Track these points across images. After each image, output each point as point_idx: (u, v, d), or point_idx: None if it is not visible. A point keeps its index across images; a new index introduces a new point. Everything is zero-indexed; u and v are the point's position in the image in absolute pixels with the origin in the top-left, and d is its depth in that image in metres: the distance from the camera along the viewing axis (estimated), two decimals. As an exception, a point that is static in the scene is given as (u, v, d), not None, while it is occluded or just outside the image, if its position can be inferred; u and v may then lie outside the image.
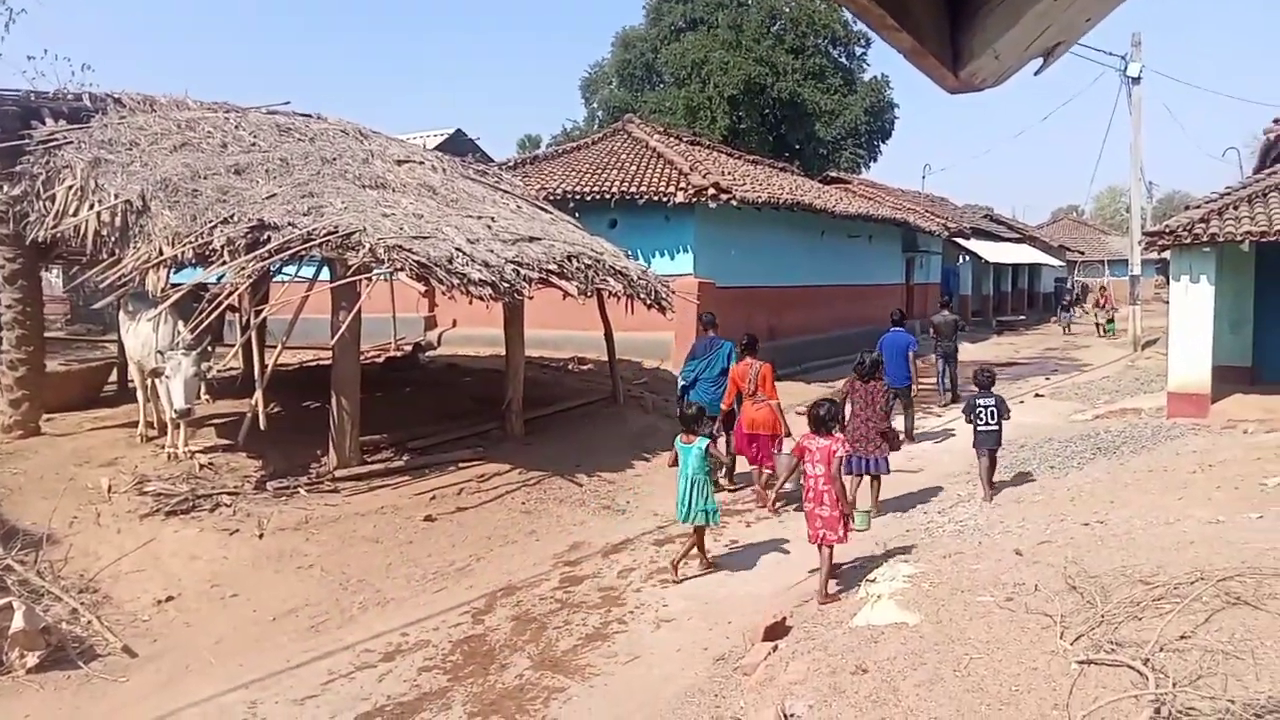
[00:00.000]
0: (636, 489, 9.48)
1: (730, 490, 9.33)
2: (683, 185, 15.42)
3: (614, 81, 42.02)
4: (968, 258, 33.23)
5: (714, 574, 6.99)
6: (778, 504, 8.37)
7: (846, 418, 7.62)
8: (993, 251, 33.46)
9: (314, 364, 14.03)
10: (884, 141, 41.19)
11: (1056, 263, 43.64)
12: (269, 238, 8.17)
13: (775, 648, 5.06)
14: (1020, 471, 9.47)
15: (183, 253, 8.30)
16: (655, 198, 15.46)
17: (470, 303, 9.01)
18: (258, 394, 8.50)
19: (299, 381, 12.07)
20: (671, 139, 19.89)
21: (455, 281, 8.35)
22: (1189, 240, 11.17)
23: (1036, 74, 1.36)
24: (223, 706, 5.05)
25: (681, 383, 9.76)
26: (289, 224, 8.27)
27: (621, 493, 9.30)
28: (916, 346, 11.31)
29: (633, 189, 15.76)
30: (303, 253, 8.32)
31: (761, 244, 18.00)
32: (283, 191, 9.00)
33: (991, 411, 8.43)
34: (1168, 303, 34.55)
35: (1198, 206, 11.82)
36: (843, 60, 40.06)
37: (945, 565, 5.73)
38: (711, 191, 15.07)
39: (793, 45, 37.04)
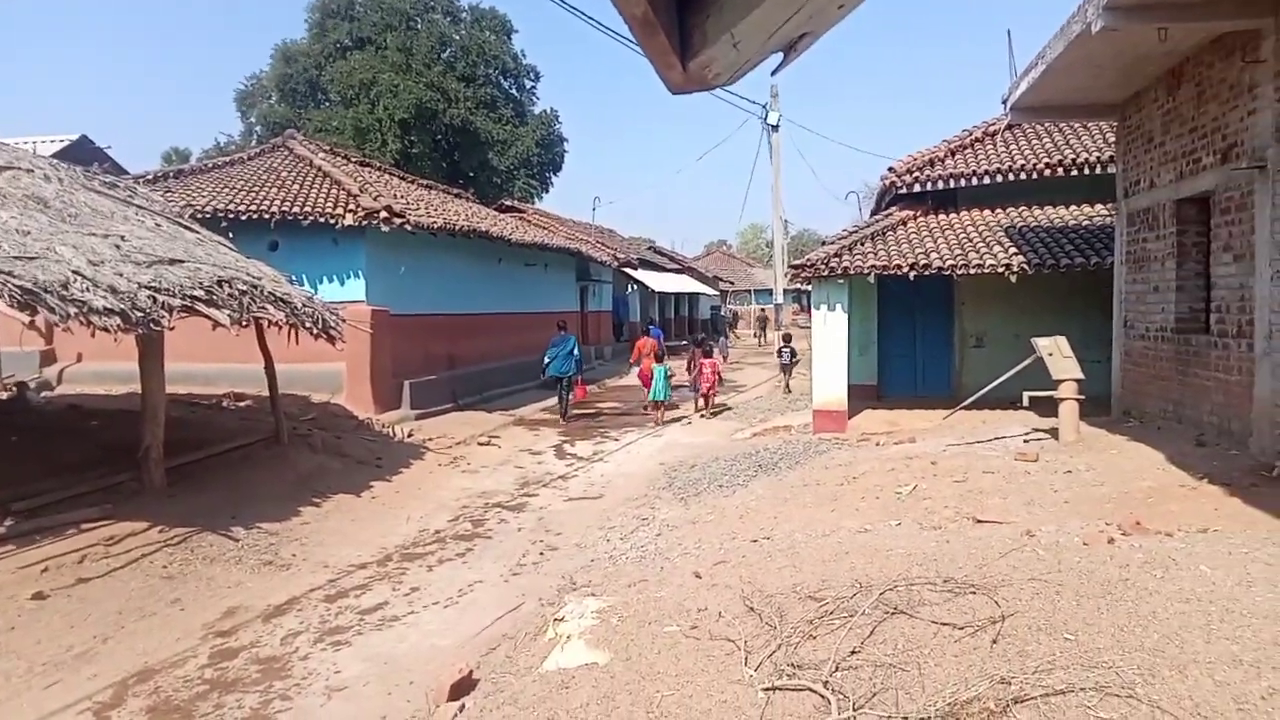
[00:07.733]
0: (304, 539, 8.60)
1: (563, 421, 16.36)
2: (352, 207, 14.55)
3: (274, 96, 39.36)
4: (635, 287, 35.05)
5: (392, 629, 6.49)
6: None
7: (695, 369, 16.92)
8: (658, 281, 35.60)
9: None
10: (555, 173, 42.54)
11: (712, 291, 47.52)
12: None
13: (462, 707, 4.69)
14: (691, 494, 9.90)
15: None
16: (322, 219, 14.44)
17: (93, 334, 7.68)
18: None
19: None
20: (339, 158, 18.79)
21: (72, 311, 7.05)
22: (826, 272, 12.48)
23: (775, 73, 1.21)
24: None
25: (546, 360, 16.41)
26: None
27: (286, 544, 8.37)
28: (664, 338, 19.25)
29: (296, 209, 14.60)
30: None
31: (438, 271, 17.53)
32: None
33: (786, 353, 19.98)
34: (804, 328, 39.04)
35: (832, 243, 13.25)
36: (513, 92, 40.81)
37: (631, 595, 5.70)
38: (384, 215, 14.38)
39: (464, 73, 37.06)
